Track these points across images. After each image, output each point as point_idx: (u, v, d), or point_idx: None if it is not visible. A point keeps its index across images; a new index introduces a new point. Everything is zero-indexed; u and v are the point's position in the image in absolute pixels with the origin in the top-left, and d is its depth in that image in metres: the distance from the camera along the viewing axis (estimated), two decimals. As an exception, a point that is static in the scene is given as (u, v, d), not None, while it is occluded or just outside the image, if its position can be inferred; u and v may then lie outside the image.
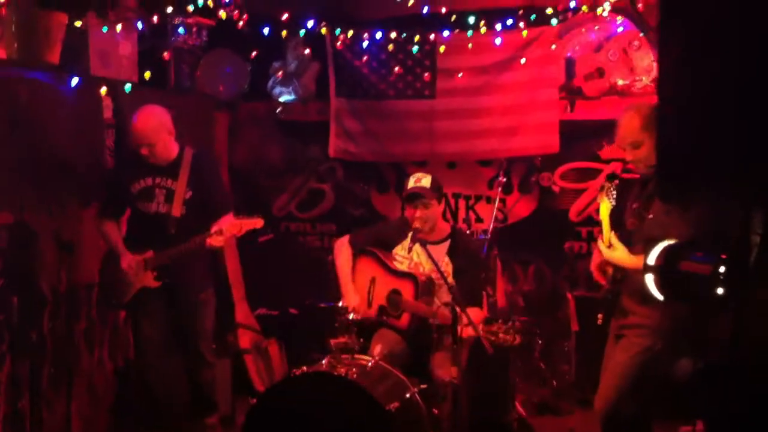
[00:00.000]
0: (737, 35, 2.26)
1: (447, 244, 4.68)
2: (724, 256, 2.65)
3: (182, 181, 4.75)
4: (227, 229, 4.63)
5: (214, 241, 4.64)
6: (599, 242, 3.80)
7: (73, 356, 4.95)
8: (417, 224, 4.52)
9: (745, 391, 2.81)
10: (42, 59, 4.53)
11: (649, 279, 3.23)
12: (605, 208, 3.81)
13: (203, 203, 4.81)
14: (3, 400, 4.43)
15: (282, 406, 3.92)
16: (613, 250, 3.71)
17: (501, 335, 4.02)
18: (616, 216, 3.85)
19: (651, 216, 3.66)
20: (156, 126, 4.70)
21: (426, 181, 4.62)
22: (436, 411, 4.26)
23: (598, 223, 3.91)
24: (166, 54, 5.77)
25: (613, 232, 3.77)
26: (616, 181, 3.86)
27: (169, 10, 5.00)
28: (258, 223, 4.68)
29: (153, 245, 4.74)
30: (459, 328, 3.95)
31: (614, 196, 3.83)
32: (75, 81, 4.85)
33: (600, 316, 3.87)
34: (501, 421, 5.16)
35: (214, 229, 4.65)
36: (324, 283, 5.59)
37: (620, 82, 6.09)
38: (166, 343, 4.92)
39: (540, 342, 5.91)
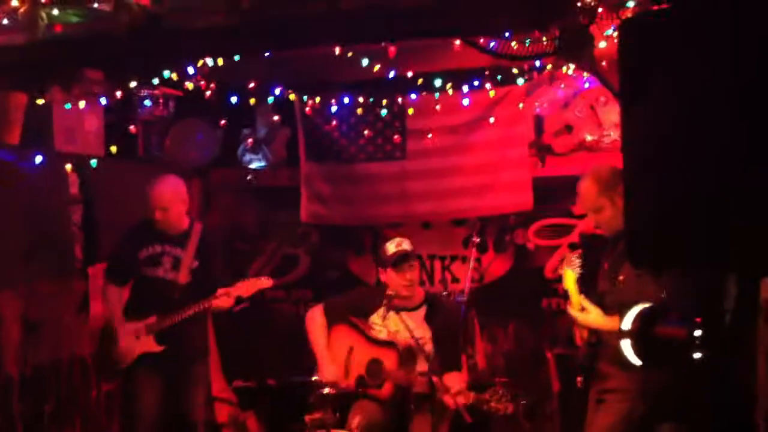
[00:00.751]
0: (703, 94, 2.25)
1: (423, 309, 4.63)
2: (698, 320, 2.61)
3: (190, 250, 4.87)
4: (234, 290, 4.69)
5: (222, 302, 4.70)
6: (569, 309, 3.74)
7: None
8: (404, 290, 4.47)
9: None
10: (1, 140, 4.48)
11: (626, 344, 3.21)
12: (570, 277, 3.78)
13: (206, 275, 4.87)
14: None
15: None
16: (587, 313, 3.66)
17: (493, 404, 3.96)
18: (586, 279, 3.81)
19: (622, 278, 3.62)
20: (172, 193, 4.86)
21: (407, 244, 4.65)
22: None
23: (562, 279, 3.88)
24: (132, 128, 5.72)
25: (583, 296, 3.72)
26: (578, 251, 3.86)
27: (133, 84, 4.96)
28: (267, 283, 4.77)
29: (156, 310, 4.78)
30: (443, 397, 3.88)
31: (579, 264, 3.80)
32: (39, 159, 4.80)
33: (579, 379, 3.81)
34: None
35: (219, 292, 4.68)
36: (300, 353, 5.48)
37: (589, 138, 6.10)
38: (161, 413, 4.86)
39: (523, 403, 5.80)
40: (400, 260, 4.53)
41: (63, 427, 5.03)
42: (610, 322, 3.48)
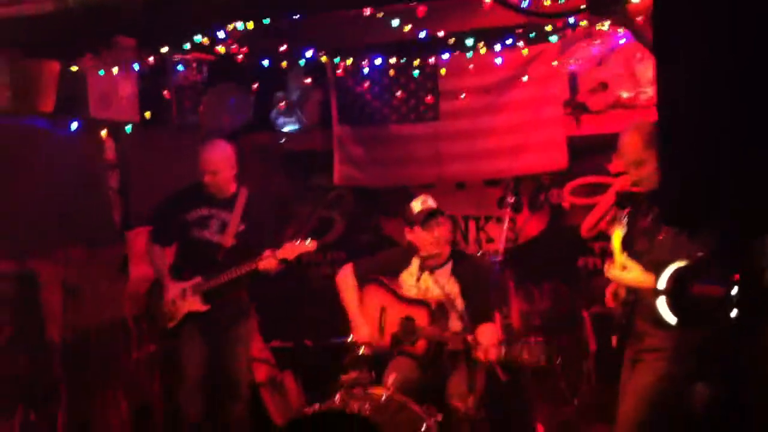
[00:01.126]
0: (736, 52, 2.20)
1: (449, 265, 4.63)
2: (736, 278, 2.58)
3: (237, 214, 4.94)
4: (280, 253, 4.74)
5: (267, 264, 4.75)
6: (609, 269, 3.70)
7: (86, 401, 4.92)
8: (433, 248, 4.47)
9: (763, 418, 2.73)
10: (35, 109, 4.52)
11: (661, 303, 3.17)
12: (618, 236, 3.71)
13: (252, 238, 4.94)
14: (17, 452, 4.41)
15: (296, 445, 3.86)
16: (628, 271, 3.61)
17: (526, 356, 3.96)
18: (625, 238, 3.76)
19: (661, 237, 3.56)
20: (222, 157, 4.92)
21: (431, 201, 4.62)
22: (455, 440, 4.19)
23: (610, 239, 3.83)
24: (166, 93, 5.75)
25: (625, 254, 3.68)
26: (627, 209, 3.78)
27: (165, 50, 4.97)
28: (310, 246, 4.80)
29: (201, 271, 4.87)
30: (476, 353, 3.89)
31: (626, 222, 3.74)
32: (75, 125, 4.85)
33: (614, 338, 3.78)
34: (522, 446, 5.07)
35: (266, 254, 4.74)
36: (336, 313, 5.52)
37: (624, 95, 6.01)
38: (206, 373, 4.95)
39: (559, 362, 5.81)
40: (427, 217, 4.52)
41: (105, 390, 5.12)
42: (650, 280, 3.43)
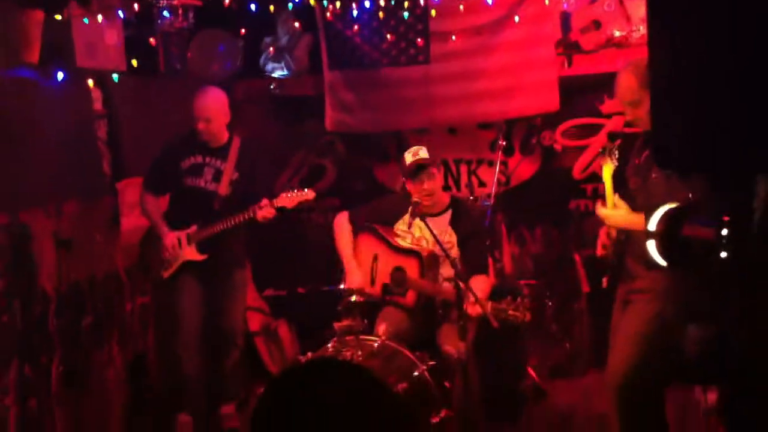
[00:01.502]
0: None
1: (449, 214, 4.61)
2: (726, 219, 2.58)
3: (231, 162, 4.93)
4: (278, 201, 4.75)
5: (265, 213, 4.75)
6: (599, 207, 3.69)
7: (81, 353, 4.94)
8: (424, 199, 4.44)
9: (756, 356, 2.75)
10: (20, 59, 4.45)
11: (651, 245, 3.17)
12: (608, 170, 3.70)
13: (247, 187, 4.94)
14: (13, 402, 4.42)
15: (290, 393, 3.89)
16: (615, 210, 3.61)
17: (510, 312, 3.98)
18: (617, 175, 3.74)
19: (654, 175, 3.54)
20: (216, 104, 4.93)
21: (423, 152, 4.54)
22: (447, 384, 4.23)
23: (603, 181, 3.81)
24: (152, 40, 5.66)
25: (616, 194, 3.67)
26: (618, 141, 3.74)
27: (150, -5, 4.89)
28: (309, 195, 4.80)
29: (196, 220, 4.88)
30: (465, 305, 3.90)
31: (617, 156, 3.72)
32: (61, 75, 4.77)
33: (605, 279, 3.79)
34: (514, 389, 5.12)
35: (263, 203, 4.73)
36: (329, 261, 5.53)
37: (617, 34, 5.93)
38: (202, 323, 4.97)
39: (551, 304, 5.85)
40: (416, 170, 4.48)
41: (100, 341, 5.13)
42: (639, 220, 3.43)
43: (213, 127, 4.90)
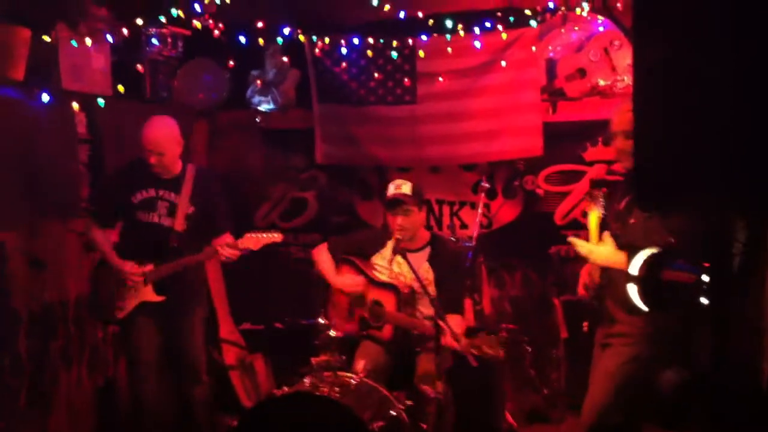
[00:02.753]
0: (717, 39, 2.19)
1: (427, 251, 4.60)
2: (706, 265, 2.58)
3: (185, 195, 4.68)
4: (243, 243, 4.53)
5: (229, 254, 4.55)
6: (583, 245, 3.67)
7: (50, 375, 4.85)
8: (397, 233, 4.42)
9: (731, 402, 2.73)
10: (5, 76, 4.42)
11: (632, 289, 3.17)
12: (594, 217, 3.70)
13: (204, 220, 4.73)
14: (-22, 424, 4.34)
15: (264, 427, 3.82)
16: (601, 245, 3.59)
17: (485, 348, 3.94)
18: (601, 223, 3.75)
19: (633, 221, 3.57)
20: (167, 135, 4.65)
21: (406, 187, 4.53)
22: (424, 426, 4.17)
23: (584, 227, 3.82)
24: (139, 66, 5.66)
25: (605, 231, 3.65)
26: (604, 189, 3.76)
27: (140, 22, 4.89)
28: (277, 237, 4.57)
29: (151, 258, 4.64)
30: (442, 340, 3.87)
31: (602, 204, 3.72)
32: (46, 97, 4.75)
33: (585, 324, 3.79)
34: (490, 432, 5.07)
35: (227, 241, 4.55)
36: (308, 296, 5.49)
37: (602, 83, 5.99)
38: (160, 358, 4.79)
39: (529, 349, 5.82)
40: (392, 204, 4.47)
41: (70, 364, 5.05)
42: (622, 259, 3.42)
43: (166, 160, 4.62)
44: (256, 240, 4.53)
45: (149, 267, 4.62)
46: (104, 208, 4.77)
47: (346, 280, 4.56)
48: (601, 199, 3.71)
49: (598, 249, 3.59)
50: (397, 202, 4.45)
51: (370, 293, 4.51)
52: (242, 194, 6.88)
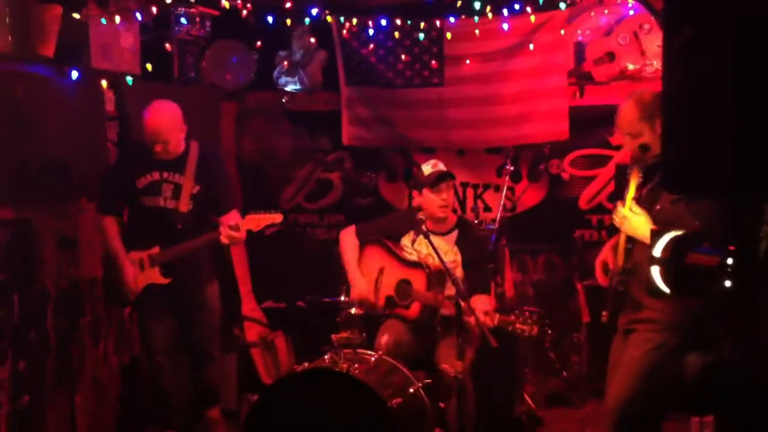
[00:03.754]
0: (749, 22, 2.18)
1: (455, 234, 4.62)
2: (732, 248, 2.56)
3: (189, 175, 4.70)
4: (244, 224, 4.57)
5: (230, 236, 4.59)
6: (619, 207, 3.62)
7: (77, 352, 4.92)
8: (440, 210, 4.47)
9: (756, 388, 2.72)
10: (37, 53, 4.47)
11: (655, 271, 3.14)
12: (635, 178, 3.63)
13: (209, 198, 4.77)
14: (6, 398, 4.39)
15: (284, 402, 3.86)
16: (635, 215, 3.54)
17: (518, 326, 3.97)
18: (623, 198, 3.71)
19: (658, 207, 3.54)
20: (170, 123, 4.67)
21: (441, 165, 4.60)
22: (442, 405, 4.20)
23: (609, 211, 3.78)
24: (168, 45, 5.69)
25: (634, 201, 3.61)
26: (648, 156, 3.63)
27: (168, 1, 4.91)
28: (276, 218, 4.61)
29: (158, 241, 4.69)
30: (470, 317, 3.88)
31: (642, 173, 3.63)
32: (75, 74, 4.79)
33: (605, 313, 3.75)
34: (510, 414, 5.08)
35: (230, 223, 4.58)
36: (331, 276, 5.52)
37: (631, 67, 5.95)
38: (175, 340, 4.86)
39: (550, 333, 5.80)
40: (438, 180, 4.50)
41: (97, 341, 5.11)
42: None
43: (171, 147, 4.67)
44: (256, 221, 4.58)
45: (155, 250, 4.68)
46: (110, 196, 4.83)
47: (359, 285, 4.56)
48: (644, 165, 3.62)
49: (633, 216, 3.54)
50: (444, 176, 4.50)
51: (398, 272, 4.53)
52: (269, 176, 6.92)
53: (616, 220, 3.63)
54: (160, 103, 4.73)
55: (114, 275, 4.74)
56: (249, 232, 4.61)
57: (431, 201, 4.53)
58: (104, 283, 4.91)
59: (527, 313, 3.98)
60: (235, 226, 4.55)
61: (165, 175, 4.71)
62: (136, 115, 5.36)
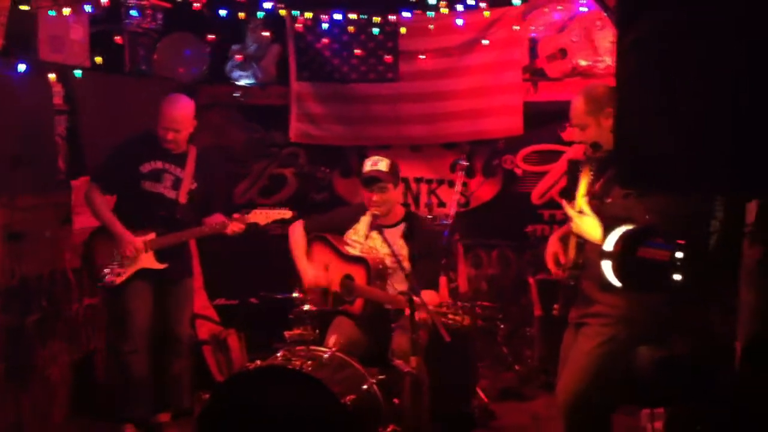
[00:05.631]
0: (700, 18, 2.20)
1: (402, 227, 4.60)
2: (682, 242, 2.60)
3: (189, 172, 4.86)
4: (250, 217, 4.70)
5: (236, 227, 4.72)
6: (568, 208, 3.65)
7: (25, 349, 4.82)
8: (374, 209, 4.43)
9: (705, 380, 2.77)
10: (-18, 44, 4.37)
11: (607, 265, 3.18)
12: (585, 178, 3.66)
13: (202, 198, 4.90)
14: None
15: (237, 400, 3.82)
16: (584, 216, 3.57)
17: (450, 317, 3.97)
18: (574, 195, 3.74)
19: (610, 200, 3.57)
20: (187, 115, 4.84)
21: (383, 164, 4.53)
22: (396, 401, 4.19)
23: (560, 207, 3.80)
24: (118, 38, 5.60)
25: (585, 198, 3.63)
26: (599, 153, 3.67)
27: (119, -9, 4.83)
28: (286, 214, 4.72)
29: (155, 226, 4.78)
30: (418, 315, 3.87)
31: (593, 170, 3.67)
32: (23, 67, 4.68)
33: (556, 306, 3.78)
34: (463, 408, 5.09)
35: (216, 221, 4.76)
36: (285, 272, 5.48)
37: (583, 63, 6.02)
38: (149, 329, 4.86)
39: (503, 327, 5.86)
40: (368, 181, 4.48)
41: (46, 339, 5.02)
42: (600, 232, 3.40)
43: (181, 137, 4.81)
44: (265, 215, 4.71)
45: (151, 235, 4.76)
46: (112, 174, 4.88)
47: (309, 272, 4.55)
48: (595, 163, 3.67)
49: (583, 218, 3.56)
50: (373, 179, 4.46)
51: (342, 268, 4.51)
52: (222, 170, 6.85)
53: (569, 213, 3.65)
54: (178, 96, 4.94)
55: (102, 255, 4.76)
56: (252, 225, 4.75)
57: (365, 198, 4.52)
58: (89, 264, 4.88)
59: (459, 303, 4.00)
60: (240, 218, 4.72)
61: (167, 166, 4.84)
62: (85, 108, 5.29)
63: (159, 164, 4.83)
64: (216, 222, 4.80)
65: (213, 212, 4.93)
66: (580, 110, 3.66)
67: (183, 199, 4.82)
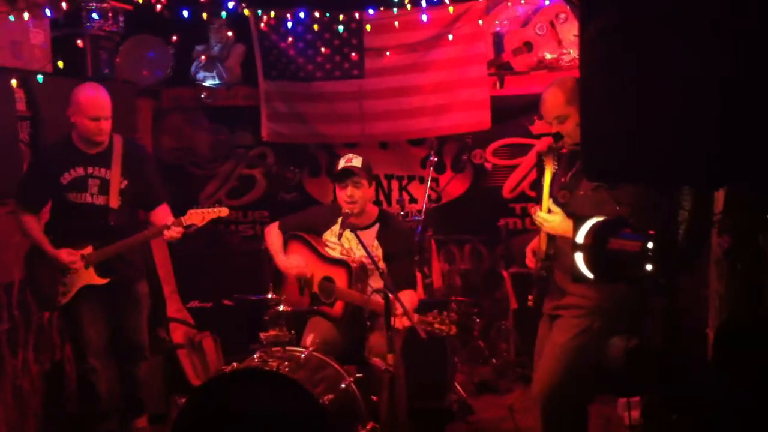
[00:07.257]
0: (663, 10, 2.21)
1: (376, 228, 4.59)
2: (652, 233, 2.61)
3: (116, 169, 4.51)
4: (187, 219, 4.45)
5: (174, 232, 4.46)
6: (537, 210, 3.69)
7: (-6, 361, 4.75)
8: (347, 206, 4.41)
9: (677, 370, 2.79)
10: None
11: (579, 257, 3.19)
12: (549, 172, 3.71)
13: (137, 193, 4.62)
14: None
15: (213, 403, 3.78)
16: (553, 215, 3.61)
17: (436, 326, 3.97)
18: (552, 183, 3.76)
19: (581, 192, 3.60)
20: (108, 101, 4.49)
21: (357, 161, 4.52)
22: (375, 398, 4.18)
23: (532, 200, 3.83)
24: (80, 41, 5.52)
25: (551, 199, 3.67)
26: (561, 144, 3.72)
27: (79, -5, 4.77)
28: (223, 211, 4.53)
29: (89, 239, 4.50)
30: (392, 318, 3.86)
31: (556, 162, 3.72)
32: (-18, 73, 4.62)
33: (530, 298, 3.81)
34: (441, 404, 5.10)
35: (166, 222, 4.47)
36: (258, 273, 5.45)
37: (548, 56, 6.04)
38: (106, 342, 4.70)
39: (478, 321, 5.87)
40: (342, 176, 4.46)
41: (16, 347, 4.95)
42: (571, 228, 3.43)
43: (107, 126, 4.46)
44: (201, 215, 4.48)
45: (88, 249, 4.49)
46: (31, 192, 4.58)
47: (291, 262, 4.53)
48: (557, 156, 3.71)
49: (551, 218, 3.60)
50: (348, 173, 4.44)
51: (321, 270, 4.49)
52: (188, 173, 6.81)
53: (537, 220, 3.68)
54: (91, 83, 4.57)
55: (42, 273, 4.53)
56: (190, 227, 4.51)
57: (339, 196, 4.50)
58: (32, 287, 4.68)
59: (445, 312, 3.99)
60: (177, 221, 4.46)
61: (90, 170, 4.50)
62: (48, 114, 5.21)
63: (80, 170, 4.49)
64: (155, 228, 4.56)
65: (157, 204, 4.67)
66: (559, 102, 3.66)
67: (114, 203, 4.49)
